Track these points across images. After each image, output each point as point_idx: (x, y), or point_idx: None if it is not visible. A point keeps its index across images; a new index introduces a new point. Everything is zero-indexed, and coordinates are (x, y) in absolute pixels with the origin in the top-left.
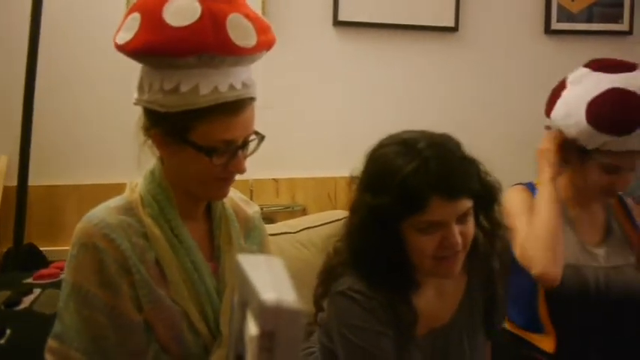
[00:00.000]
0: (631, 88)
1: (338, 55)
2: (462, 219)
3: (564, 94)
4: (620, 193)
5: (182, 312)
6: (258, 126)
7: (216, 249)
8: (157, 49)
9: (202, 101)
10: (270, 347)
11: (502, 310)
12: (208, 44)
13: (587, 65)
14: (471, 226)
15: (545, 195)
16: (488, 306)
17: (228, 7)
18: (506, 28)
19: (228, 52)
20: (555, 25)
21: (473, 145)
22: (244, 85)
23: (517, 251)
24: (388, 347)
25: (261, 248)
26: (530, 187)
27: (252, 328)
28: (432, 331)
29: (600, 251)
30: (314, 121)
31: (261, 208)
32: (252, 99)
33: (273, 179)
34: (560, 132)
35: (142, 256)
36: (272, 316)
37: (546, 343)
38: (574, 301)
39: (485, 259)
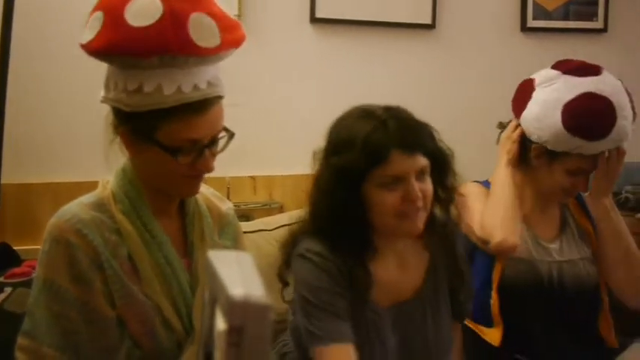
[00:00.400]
0: (602, 93)
1: (315, 52)
2: (420, 177)
3: (535, 95)
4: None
5: (155, 307)
6: (234, 124)
7: (189, 245)
8: (117, 49)
9: (167, 101)
10: (237, 342)
11: (468, 288)
12: (169, 45)
13: (554, 67)
14: (429, 186)
15: (501, 176)
16: (453, 284)
17: (190, 6)
18: (483, 25)
19: (190, 53)
20: (531, 23)
21: (450, 142)
22: (210, 84)
23: (476, 229)
24: (343, 307)
25: (235, 244)
26: (486, 184)
27: (220, 324)
28: (395, 305)
29: (554, 246)
30: (291, 118)
31: (239, 206)
32: (219, 97)
33: (251, 177)
34: (522, 128)
35: (114, 251)
36: (240, 311)
37: (493, 335)
38: (528, 296)
39: (443, 232)
